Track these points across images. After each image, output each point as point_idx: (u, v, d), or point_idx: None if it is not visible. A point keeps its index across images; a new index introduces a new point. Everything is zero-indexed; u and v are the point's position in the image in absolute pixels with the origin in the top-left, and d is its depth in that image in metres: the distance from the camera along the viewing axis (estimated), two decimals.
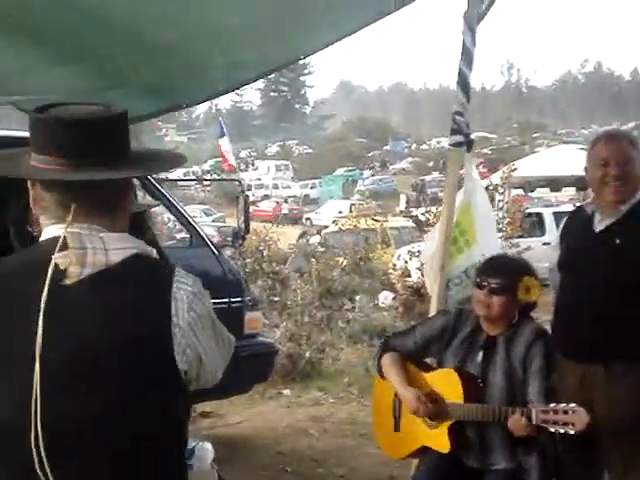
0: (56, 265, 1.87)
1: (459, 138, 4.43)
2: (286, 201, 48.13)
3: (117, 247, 1.94)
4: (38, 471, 1.76)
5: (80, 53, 3.68)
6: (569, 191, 31.89)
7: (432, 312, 4.49)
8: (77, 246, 1.90)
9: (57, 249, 1.88)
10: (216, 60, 3.62)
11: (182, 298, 1.95)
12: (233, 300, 6.55)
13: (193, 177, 45.06)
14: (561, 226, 4.17)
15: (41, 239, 1.98)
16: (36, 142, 1.96)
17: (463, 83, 4.42)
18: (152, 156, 2.17)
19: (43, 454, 1.76)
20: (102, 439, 1.83)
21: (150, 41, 3.39)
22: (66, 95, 4.33)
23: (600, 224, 3.86)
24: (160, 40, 3.38)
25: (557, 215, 19.86)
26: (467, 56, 4.41)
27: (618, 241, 3.75)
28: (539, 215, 19.97)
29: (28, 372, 1.78)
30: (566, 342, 3.89)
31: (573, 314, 3.86)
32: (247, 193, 7.24)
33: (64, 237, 1.89)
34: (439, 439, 3.91)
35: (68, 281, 1.87)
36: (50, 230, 1.96)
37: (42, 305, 1.82)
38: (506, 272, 3.91)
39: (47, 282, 1.84)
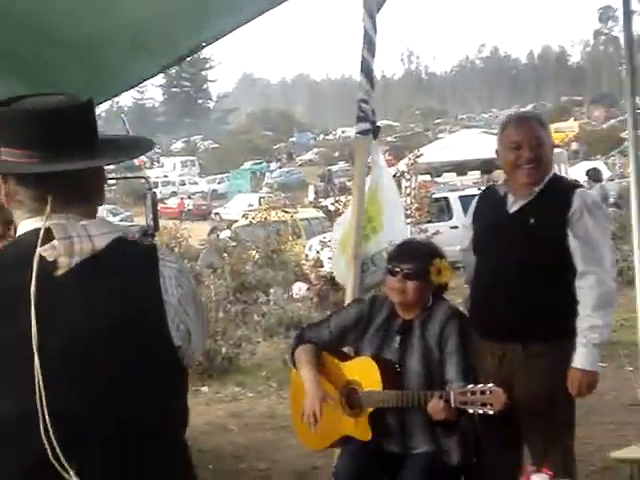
0: (42, 257, 1.85)
1: (365, 125, 4.43)
2: (190, 197, 47.68)
3: (99, 232, 1.93)
4: (51, 458, 1.77)
5: None
6: (474, 175, 32.48)
7: (347, 301, 4.48)
8: (63, 236, 1.88)
9: (40, 241, 1.86)
10: (125, 54, 3.54)
11: (169, 275, 1.96)
12: None
13: None
14: (472, 208, 4.21)
15: (19, 233, 1.97)
16: (5, 136, 1.93)
17: (366, 70, 4.43)
18: (120, 143, 2.17)
19: (55, 443, 1.77)
20: (109, 423, 1.85)
21: (58, 37, 3.29)
22: None
23: (514, 205, 3.91)
24: (67, 36, 3.29)
25: (463, 199, 20.18)
26: (369, 43, 4.41)
27: (532, 221, 3.81)
28: (446, 199, 20.24)
29: (28, 365, 1.78)
30: (483, 323, 3.93)
31: (489, 295, 3.90)
32: (154, 190, 7.12)
33: (46, 229, 1.88)
34: (360, 427, 3.91)
35: (59, 272, 1.86)
36: (27, 224, 1.95)
37: (32, 298, 1.81)
38: (417, 256, 3.94)
39: (34, 275, 1.82)
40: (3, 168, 1.95)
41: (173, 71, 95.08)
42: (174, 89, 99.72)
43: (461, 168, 32.55)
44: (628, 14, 4.38)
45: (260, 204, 22.05)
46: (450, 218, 19.42)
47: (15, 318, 1.84)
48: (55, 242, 1.87)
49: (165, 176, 58.04)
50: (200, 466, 6.20)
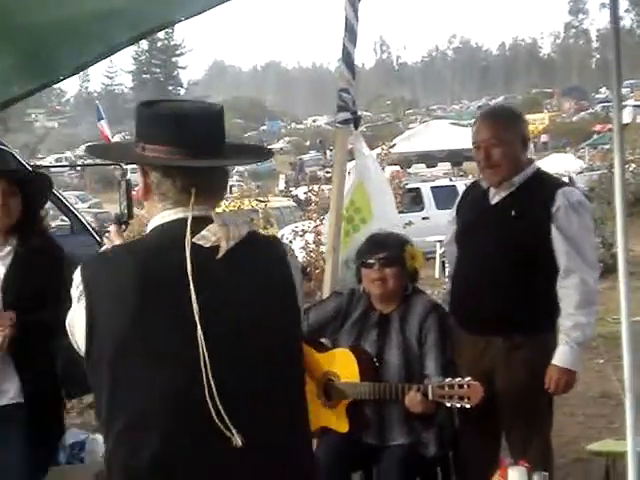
0: (195, 243, 2.08)
1: (346, 115, 4.40)
2: None
3: (241, 222, 2.18)
4: (216, 420, 2.03)
5: None
6: (445, 166, 32.66)
7: (325, 293, 4.46)
8: (221, 223, 2.12)
9: (188, 229, 2.09)
10: (92, 25, 3.48)
11: (295, 265, 2.29)
12: None
13: (67, 163, 43.79)
14: (457, 201, 4.21)
15: (157, 223, 2.18)
16: (148, 133, 2.18)
17: (347, 60, 4.40)
18: (242, 148, 2.47)
19: (219, 406, 2.02)
20: (258, 392, 2.13)
21: (32, 2, 3.23)
22: None
23: (495, 197, 3.91)
24: (32, 7, 3.22)
25: (434, 189, 20.31)
26: (350, 32, 4.38)
27: (513, 213, 3.81)
28: (417, 190, 20.31)
29: (193, 339, 2.03)
30: (465, 314, 3.94)
31: (470, 287, 3.90)
32: (128, 177, 7.02)
33: (193, 217, 2.11)
34: (337, 419, 3.90)
35: (218, 255, 2.10)
36: (169, 214, 2.17)
37: (191, 280, 2.04)
38: (389, 245, 3.95)
39: (189, 259, 2.05)
40: (155, 161, 2.16)
41: (143, 57, 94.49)
42: (144, 75, 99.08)
43: (431, 159, 32.76)
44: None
45: (231, 192, 21.90)
46: (422, 209, 19.49)
47: (176, 299, 2.06)
48: (216, 227, 2.12)
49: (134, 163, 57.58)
50: None
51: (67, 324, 2.24)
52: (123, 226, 6.58)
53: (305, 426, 2.28)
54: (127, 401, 2.09)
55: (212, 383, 2.02)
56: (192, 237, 2.08)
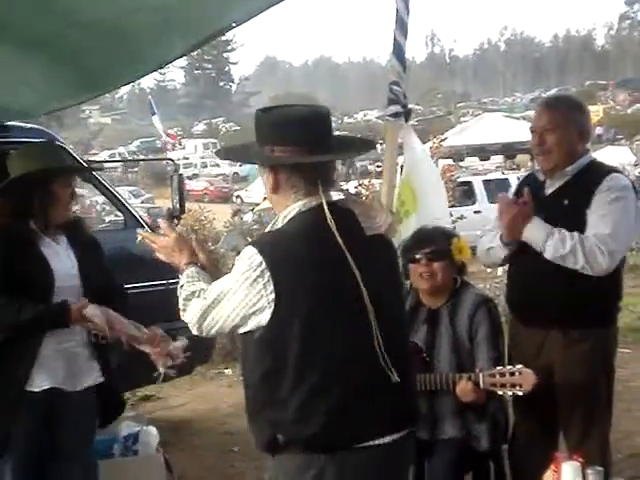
0: (341, 224, 2.54)
1: (397, 108, 4.38)
2: (211, 182, 47.63)
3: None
4: (382, 364, 2.58)
5: (10, 35, 3.53)
6: (497, 159, 32.34)
7: None
8: (362, 212, 2.67)
9: (328, 213, 2.53)
10: (153, 35, 3.51)
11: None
12: (171, 281, 6.43)
13: (120, 159, 44.27)
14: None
15: (296, 212, 2.60)
16: (271, 136, 2.60)
17: (398, 53, 4.38)
18: (347, 141, 2.88)
19: (385, 354, 2.57)
20: (404, 342, 2.88)
21: (87, 19, 3.27)
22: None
23: (550, 187, 3.87)
24: (96, 18, 3.26)
25: (486, 183, 20.13)
26: (401, 25, 4.36)
27: (566, 202, 3.76)
28: (469, 184, 20.15)
29: (360, 303, 2.54)
30: (523, 308, 3.90)
31: (529, 279, 3.85)
32: (180, 172, 7.07)
33: (327, 202, 2.56)
34: None
35: (367, 234, 2.64)
36: (303, 203, 2.60)
37: (348, 256, 2.52)
38: (436, 238, 3.94)
39: (340, 242, 2.51)
40: (288, 160, 2.58)
41: (195, 53, 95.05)
42: (196, 71, 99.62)
43: (483, 152, 32.44)
44: None
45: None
46: (474, 203, 19.34)
47: (341, 272, 2.52)
48: (360, 209, 2.67)
49: (186, 158, 57.98)
50: (226, 449, 6.23)
51: (224, 303, 2.59)
52: (175, 220, 6.65)
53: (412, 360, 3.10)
54: (319, 359, 2.54)
55: (378, 335, 2.56)
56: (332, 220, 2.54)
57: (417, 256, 3.91)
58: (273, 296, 2.51)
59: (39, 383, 3.57)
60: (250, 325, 2.58)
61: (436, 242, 3.91)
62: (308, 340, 2.52)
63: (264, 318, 2.54)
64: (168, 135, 21.51)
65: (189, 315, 2.70)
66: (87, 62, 3.92)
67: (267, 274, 2.51)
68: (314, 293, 2.52)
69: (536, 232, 3.72)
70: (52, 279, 3.56)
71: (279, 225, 2.64)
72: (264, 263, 2.51)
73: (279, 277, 2.51)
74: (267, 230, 2.72)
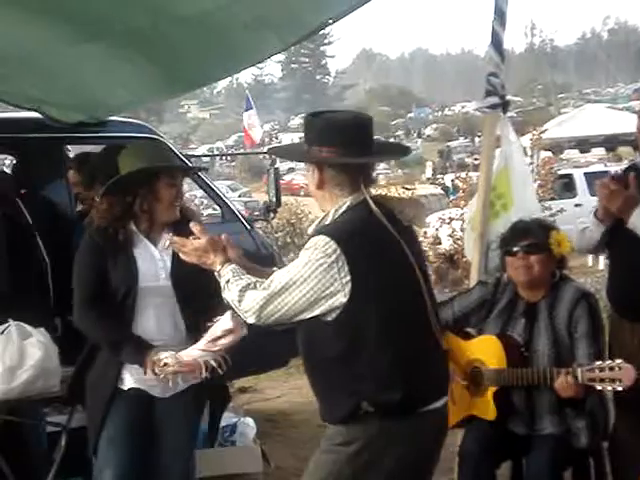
0: (386, 215, 2.86)
1: (494, 100, 4.32)
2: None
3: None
4: (433, 328, 2.95)
5: (105, 31, 3.61)
6: (598, 151, 31.56)
7: (472, 281, 4.41)
8: (396, 206, 2.97)
9: (373, 206, 2.85)
10: (249, 31, 3.55)
11: None
12: None
13: (218, 153, 44.89)
14: None
15: (348, 205, 2.89)
16: (327, 139, 2.87)
17: (497, 43, 4.31)
18: (386, 146, 3.41)
19: (434, 319, 2.96)
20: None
21: (178, 13, 3.32)
22: (95, 77, 4.26)
23: None
24: (189, 13, 3.31)
25: (588, 176, 19.67)
26: (500, 15, 4.30)
27: None
28: (569, 176, 19.77)
29: (413, 275, 2.90)
30: (623, 302, 3.82)
31: (630, 273, 3.77)
32: (277, 166, 7.12)
33: (371, 197, 2.88)
34: (484, 406, 3.86)
35: (404, 225, 2.94)
36: (350, 199, 2.89)
37: (401, 241, 2.86)
38: (534, 231, 3.88)
39: (390, 227, 2.85)
40: (334, 160, 2.87)
41: (292, 47, 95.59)
42: (293, 65, 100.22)
43: (585, 144, 31.69)
44: None
45: (377, 180, 21.95)
46: (574, 196, 18.96)
47: (397, 253, 2.87)
48: (401, 207, 2.96)
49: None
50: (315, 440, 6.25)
51: (293, 290, 2.81)
52: (271, 213, 6.69)
53: None
54: (395, 333, 2.83)
55: (430, 306, 2.93)
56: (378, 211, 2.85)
57: (514, 249, 3.86)
58: (348, 279, 2.77)
59: (128, 384, 3.61)
60: (318, 310, 2.81)
61: (534, 235, 3.85)
62: (384, 318, 2.81)
63: (337, 301, 2.79)
64: (247, 135, 21.25)
65: (247, 305, 2.88)
66: (181, 58, 3.98)
67: (342, 259, 2.76)
68: (383, 275, 2.83)
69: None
70: (134, 282, 3.54)
71: (330, 219, 2.92)
72: (339, 250, 2.77)
73: (353, 262, 2.77)
74: (325, 223, 2.94)
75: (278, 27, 3.59)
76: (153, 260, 3.63)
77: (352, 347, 2.82)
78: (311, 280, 2.78)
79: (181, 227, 3.51)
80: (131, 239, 3.61)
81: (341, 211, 2.89)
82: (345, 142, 2.86)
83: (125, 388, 3.61)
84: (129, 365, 3.58)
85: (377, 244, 2.85)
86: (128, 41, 3.77)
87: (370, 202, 2.85)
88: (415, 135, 62.70)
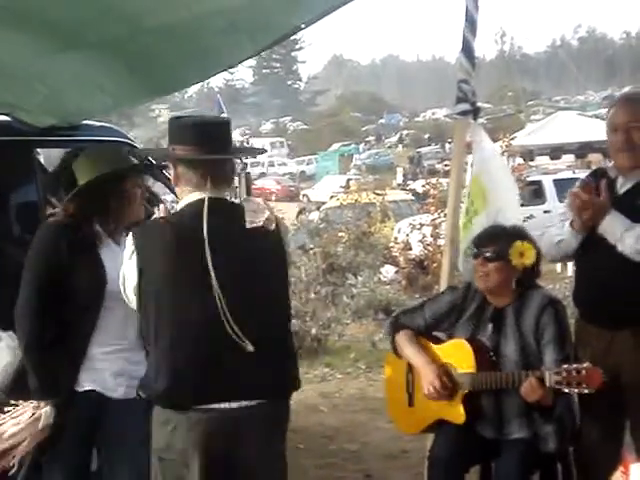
0: (210, 215, 2.96)
1: (465, 106, 4.33)
2: (278, 181, 47.81)
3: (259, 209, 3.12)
4: (230, 332, 2.92)
5: (81, 40, 3.60)
6: (568, 158, 31.80)
7: (442, 286, 4.43)
8: (250, 209, 3.09)
9: (205, 205, 2.97)
10: (221, 37, 3.55)
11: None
12: None
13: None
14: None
15: (187, 202, 3.06)
16: (177, 137, 3.10)
17: (467, 50, 4.33)
18: (245, 148, 3.88)
19: (235, 328, 2.93)
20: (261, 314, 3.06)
21: (155, 23, 3.33)
22: (71, 83, 4.24)
23: (622, 187, 3.81)
24: (164, 22, 3.32)
25: (557, 182, 19.83)
26: (471, 23, 4.32)
27: (639, 202, 3.69)
28: (539, 183, 19.93)
29: (210, 282, 2.92)
30: (591, 307, 3.85)
31: (598, 279, 3.79)
32: (248, 171, 7.13)
33: (208, 198, 3.00)
34: (453, 410, 3.89)
35: (248, 225, 3.04)
36: (194, 195, 3.05)
37: (206, 241, 2.92)
38: (498, 239, 3.90)
39: (205, 225, 2.93)
40: (182, 156, 3.06)
41: (264, 52, 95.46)
42: (265, 70, 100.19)
43: (557, 151, 31.93)
44: None
45: (348, 185, 21.94)
46: (543, 202, 19.11)
47: (198, 254, 2.92)
48: (253, 206, 3.09)
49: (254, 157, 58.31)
50: (291, 445, 6.22)
51: (121, 277, 3.13)
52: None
53: (290, 340, 3.25)
54: (169, 326, 2.97)
55: (224, 307, 2.92)
56: (208, 211, 2.95)
57: (476, 254, 3.91)
58: (137, 270, 3.02)
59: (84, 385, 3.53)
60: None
61: (496, 243, 3.87)
62: (160, 308, 3.00)
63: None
64: None
65: None
66: (156, 65, 3.98)
67: (135, 252, 3.04)
68: (171, 269, 2.98)
69: (615, 223, 3.66)
70: (102, 283, 3.49)
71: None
72: (133, 244, 3.05)
73: (143, 255, 3.02)
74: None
75: (251, 31, 3.59)
76: (117, 262, 3.59)
77: (146, 333, 3.10)
78: (124, 268, 3.14)
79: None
80: (96, 240, 3.58)
81: (179, 207, 3.13)
82: (196, 141, 3.03)
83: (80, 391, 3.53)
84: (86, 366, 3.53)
85: (173, 241, 2.98)
86: (104, 51, 3.77)
87: (205, 199, 2.99)
88: (388, 141, 62.81)
